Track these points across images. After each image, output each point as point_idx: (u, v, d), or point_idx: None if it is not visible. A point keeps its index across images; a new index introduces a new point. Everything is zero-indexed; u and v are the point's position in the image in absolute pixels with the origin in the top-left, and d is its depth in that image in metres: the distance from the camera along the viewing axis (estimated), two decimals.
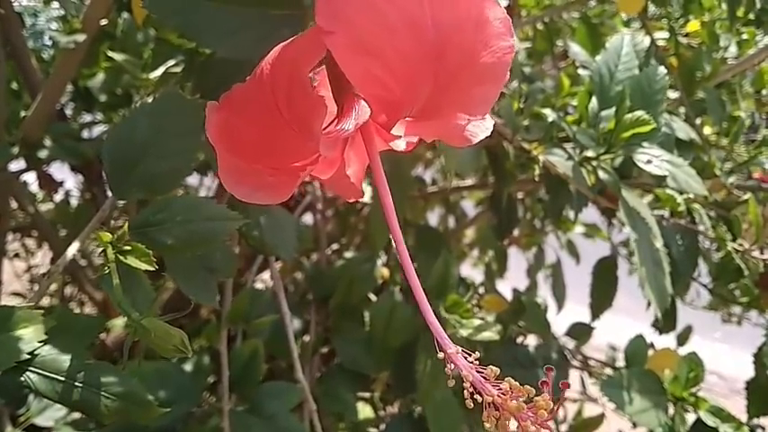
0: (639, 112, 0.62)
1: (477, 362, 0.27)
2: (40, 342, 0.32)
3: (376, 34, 0.25)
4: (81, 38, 0.73)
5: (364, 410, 0.97)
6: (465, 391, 0.27)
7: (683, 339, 1.28)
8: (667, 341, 1.09)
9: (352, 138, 0.33)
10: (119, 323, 0.94)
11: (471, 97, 0.29)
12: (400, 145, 0.34)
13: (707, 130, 1.06)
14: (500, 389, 0.26)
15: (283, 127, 0.28)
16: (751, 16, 1.04)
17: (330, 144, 0.28)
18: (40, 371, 0.32)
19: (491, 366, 0.27)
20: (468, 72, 0.28)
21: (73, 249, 0.39)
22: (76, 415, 0.75)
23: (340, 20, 0.24)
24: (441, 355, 0.28)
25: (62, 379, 0.32)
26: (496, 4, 0.27)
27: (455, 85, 0.28)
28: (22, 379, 0.32)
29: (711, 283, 0.97)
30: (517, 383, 0.26)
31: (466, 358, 0.27)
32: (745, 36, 1.10)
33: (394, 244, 0.31)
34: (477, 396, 0.27)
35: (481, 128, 0.31)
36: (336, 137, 0.28)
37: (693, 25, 1.07)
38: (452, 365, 0.27)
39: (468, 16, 0.27)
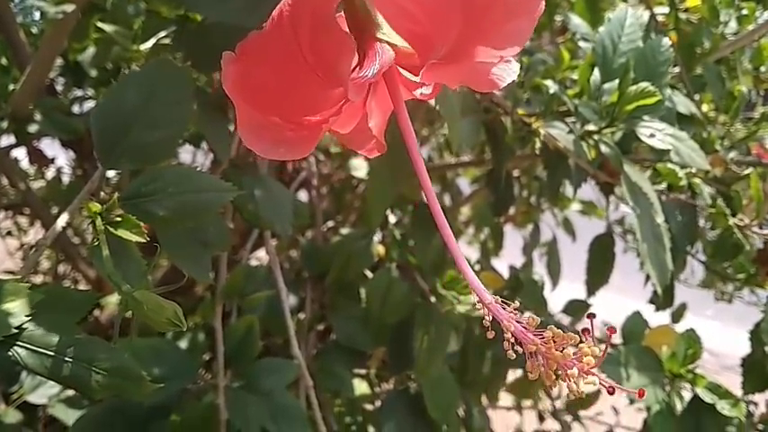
0: (644, 84, 0.60)
1: (517, 311, 0.26)
2: (28, 316, 0.31)
3: None
4: (69, 8, 0.71)
5: (360, 387, 0.97)
6: (505, 343, 0.25)
7: (677, 317, 1.28)
8: (661, 318, 1.09)
9: (373, 88, 0.32)
10: (113, 300, 0.93)
11: (504, 31, 0.28)
12: (423, 92, 0.31)
13: (705, 107, 1.05)
14: (543, 337, 0.25)
15: (306, 73, 0.26)
16: None
17: (358, 88, 0.26)
18: (29, 345, 0.31)
19: (531, 315, 0.26)
20: (501, 3, 0.26)
21: (62, 221, 0.38)
22: (71, 392, 0.74)
23: None
24: (478, 305, 0.27)
25: (51, 354, 0.31)
26: None
27: (486, 19, 0.26)
28: (10, 354, 0.31)
29: (708, 261, 0.96)
30: (560, 331, 0.25)
31: (504, 308, 0.26)
32: (745, 11, 1.09)
33: (424, 193, 0.29)
34: (518, 347, 0.25)
35: (507, 71, 0.29)
36: (363, 81, 0.27)
37: (693, 0, 1.06)
38: (490, 316, 0.26)
39: None
